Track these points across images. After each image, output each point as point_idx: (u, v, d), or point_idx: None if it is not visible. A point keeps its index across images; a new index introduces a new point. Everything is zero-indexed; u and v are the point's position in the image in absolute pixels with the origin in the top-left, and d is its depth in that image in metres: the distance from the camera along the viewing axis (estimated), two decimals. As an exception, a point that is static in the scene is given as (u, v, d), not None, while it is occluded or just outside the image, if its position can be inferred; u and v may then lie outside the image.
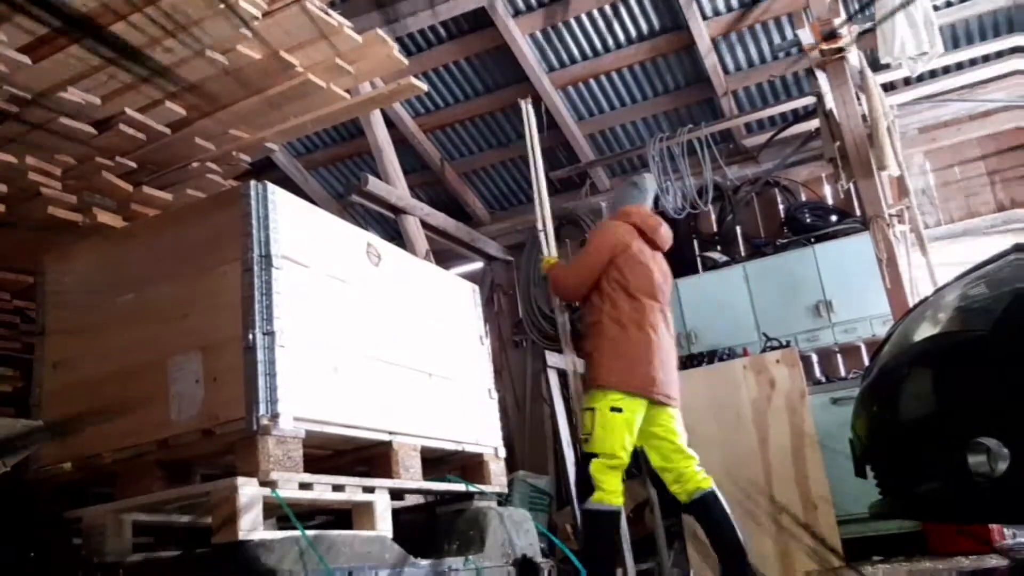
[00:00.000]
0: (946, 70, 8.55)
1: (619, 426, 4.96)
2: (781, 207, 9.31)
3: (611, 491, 4.91)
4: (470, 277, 10.49)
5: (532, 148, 6.53)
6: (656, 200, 5.97)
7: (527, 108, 6.65)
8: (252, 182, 3.61)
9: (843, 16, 6.96)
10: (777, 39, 8.59)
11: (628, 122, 9.68)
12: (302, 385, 3.32)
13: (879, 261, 6.85)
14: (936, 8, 7.30)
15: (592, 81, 9.30)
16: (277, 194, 3.65)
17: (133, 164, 5.09)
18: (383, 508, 3.62)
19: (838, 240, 8.06)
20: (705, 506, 5.07)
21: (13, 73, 4.19)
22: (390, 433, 3.80)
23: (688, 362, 7.93)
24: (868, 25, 7.30)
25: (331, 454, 3.97)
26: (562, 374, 6.54)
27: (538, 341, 9.73)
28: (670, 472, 5.19)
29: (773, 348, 7.39)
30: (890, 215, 7.09)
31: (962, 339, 3.24)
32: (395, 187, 8.28)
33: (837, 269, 7.88)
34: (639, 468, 7.60)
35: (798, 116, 8.95)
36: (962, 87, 8.54)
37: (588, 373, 5.25)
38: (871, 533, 6.49)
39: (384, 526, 3.58)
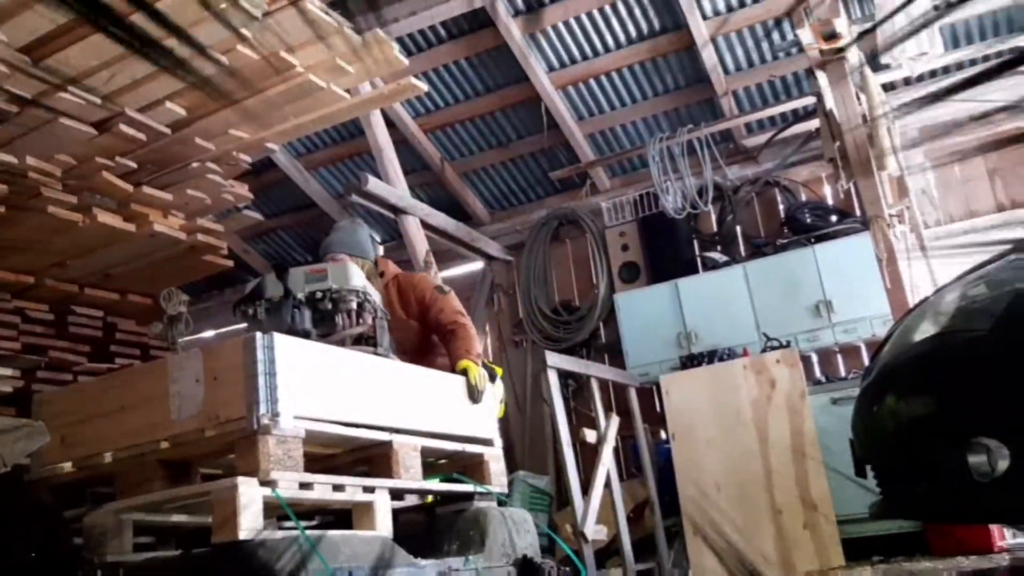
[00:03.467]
0: (946, 70, 8.55)
1: None
2: (781, 207, 9.30)
3: None
4: (470, 277, 10.60)
5: None
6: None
7: None
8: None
9: (843, 16, 6.96)
10: (777, 39, 8.59)
11: (628, 122, 9.68)
12: (302, 384, 3.32)
13: (879, 261, 6.86)
14: (936, 8, 7.30)
15: (592, 81, 9.30)
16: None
17: (133, 164, 5.09)
18: (383, 508, 3.61)
19: (838, 240, 8.06)
20: None
21: (14, 73, 4.20)
22: (391, 432, 3.80)
23: (688, 362, 7.94)
24: (868, 25, 7.31)
25: (331, 453, 3.97)
26: (562, 374, 6.55)
27: (538, 341, 9.72)
28: None
29: (773, 348, 7.40)
30: (890, 215, 7.09)
31: (962, 339, 3.24)
32: (395, 187, 8.28)
33: (837, 269, 7.88)
34: (639, 468, 7.65)
35: (798, 116, 8.96)
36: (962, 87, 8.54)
37: None
38: (871, 533, 6.48)
39: (384, 526, 3.58)
